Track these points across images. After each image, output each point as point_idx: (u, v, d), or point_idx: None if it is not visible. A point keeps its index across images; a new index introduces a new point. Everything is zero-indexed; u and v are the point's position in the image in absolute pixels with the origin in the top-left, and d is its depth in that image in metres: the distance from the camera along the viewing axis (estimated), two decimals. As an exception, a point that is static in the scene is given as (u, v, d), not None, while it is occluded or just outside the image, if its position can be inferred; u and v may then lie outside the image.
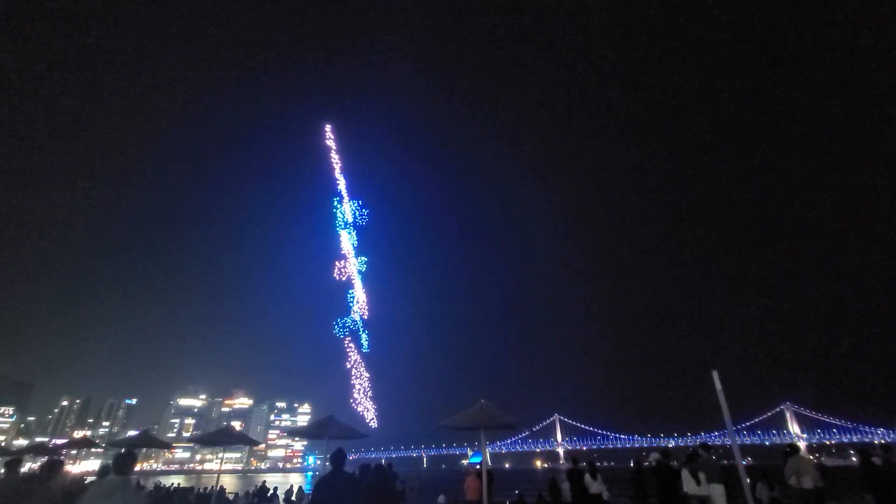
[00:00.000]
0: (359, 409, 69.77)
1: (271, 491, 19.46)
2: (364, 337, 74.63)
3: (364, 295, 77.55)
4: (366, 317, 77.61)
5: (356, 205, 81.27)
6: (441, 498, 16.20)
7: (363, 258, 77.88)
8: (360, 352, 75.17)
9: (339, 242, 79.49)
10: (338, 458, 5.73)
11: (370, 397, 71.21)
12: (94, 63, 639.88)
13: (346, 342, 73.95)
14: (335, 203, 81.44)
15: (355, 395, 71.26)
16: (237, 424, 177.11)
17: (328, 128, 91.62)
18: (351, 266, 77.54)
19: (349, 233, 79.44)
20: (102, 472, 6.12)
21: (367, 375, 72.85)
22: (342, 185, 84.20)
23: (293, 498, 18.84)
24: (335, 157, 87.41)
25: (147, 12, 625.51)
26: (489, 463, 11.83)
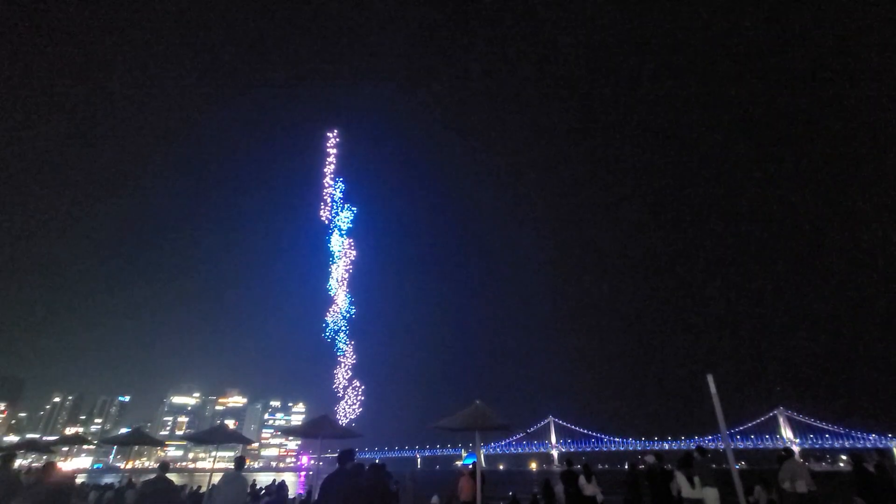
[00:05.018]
0: (349, 408, 69.68)
1: (262, 490, 19.40)
2: (344, 337, 74.26)
3: (356, 296, 77.59)
4: (357, 317, 77.41)
5: (351, 211, 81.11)
6: (435, 498, 16.14)
7: (348, 260, 77.64)
8: (353, 352, 74.99)
9: (333, 246, 79.46)
10: (344, 456, 5.89)
11: (358, 400, 71.18)
12: (97, 71, 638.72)
13: (345, 344, 73.68)
14: (331, 208, 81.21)
15: (347, 394, 71.03)
16: (231, 423, 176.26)
17: (331, 133, 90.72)
18: (344, 268, 77.53)
19: (344, 236, 79.33)
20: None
21: (350, 376, 72.52)
22: (338, 190, 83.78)
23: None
24: (332, 163, 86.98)
25: (151, 22, 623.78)
26: (483, 464, 11.83)
